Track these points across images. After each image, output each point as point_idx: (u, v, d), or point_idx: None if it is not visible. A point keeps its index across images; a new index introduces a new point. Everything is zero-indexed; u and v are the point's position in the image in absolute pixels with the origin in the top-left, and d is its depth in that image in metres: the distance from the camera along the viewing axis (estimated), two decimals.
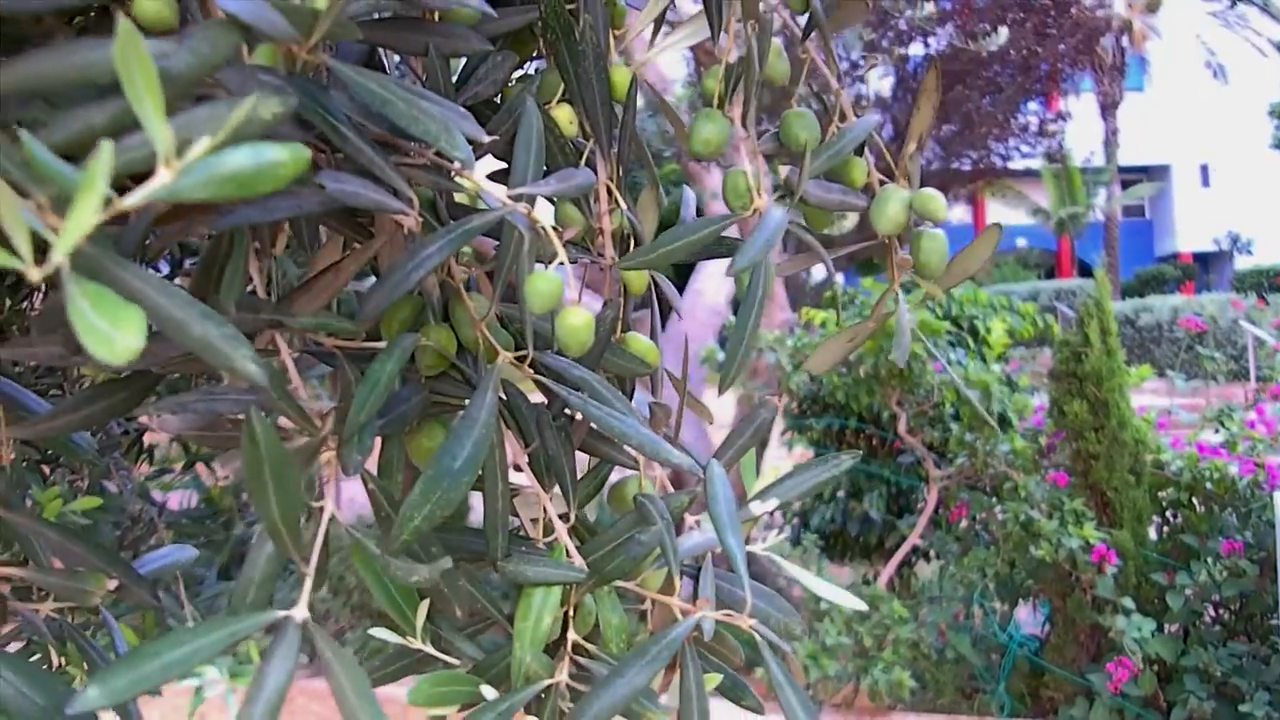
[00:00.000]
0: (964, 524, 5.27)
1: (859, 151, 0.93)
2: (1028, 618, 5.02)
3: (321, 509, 0.61)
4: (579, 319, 0.72)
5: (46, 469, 1.95)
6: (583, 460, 0.85)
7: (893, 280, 0.95)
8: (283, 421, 0.64)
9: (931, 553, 5.63)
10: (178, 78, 0.50)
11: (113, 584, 0.80)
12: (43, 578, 0.79)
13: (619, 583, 0.79)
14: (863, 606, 0.76)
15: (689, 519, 0.85)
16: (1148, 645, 4.13)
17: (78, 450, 0.94)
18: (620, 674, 0.66)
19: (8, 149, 0.46)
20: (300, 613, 0.52)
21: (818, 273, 15.25)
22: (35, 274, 0.40)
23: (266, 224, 0.69)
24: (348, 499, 0.79)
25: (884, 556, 5.72)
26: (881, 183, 0.95)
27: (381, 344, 0.71)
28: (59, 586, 0.79)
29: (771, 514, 0.85)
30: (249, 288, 0.66)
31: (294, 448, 0.61)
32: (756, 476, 0.84)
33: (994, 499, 4.99)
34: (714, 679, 0.76)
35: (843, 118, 0.92)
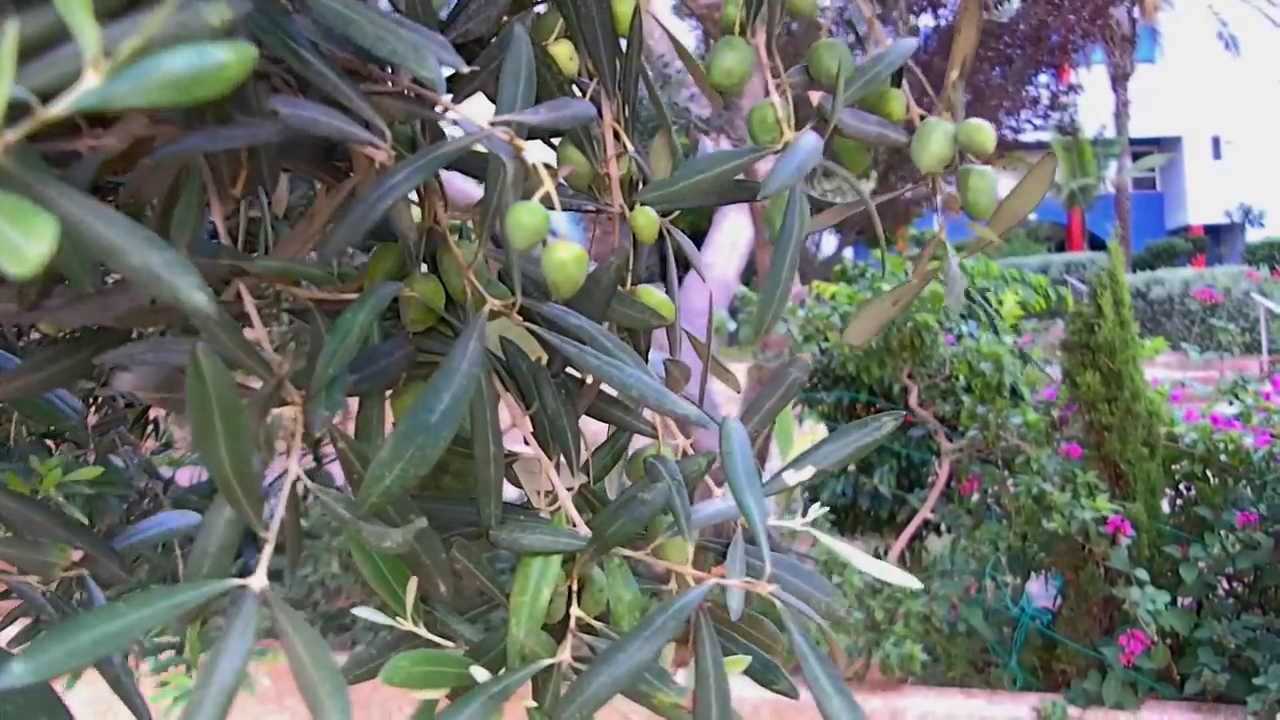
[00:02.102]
0: (976, 497, 5.23)
1: (896, 83, 0.85)
2: (1040, 591, 4.99)
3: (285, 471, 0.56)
4: (567, 252, 0.64)
5: (53, 445, 1.92)
6: (601, 432, 0.78)
7: (938, 228, 0.87)
8: (251, 382, 0.59)
9: (943, 526, 5.59)
10: None
11: (77, 554, 0.76)
12: (3, 550, 0.75)
13: (629, 553, 0.71)
14: (916, 584, 0.69)
15: (716, 491, 0.78)
16: (1161, 618, 4.10)
17: (60, 414, 0.90)
18: (621, 648, 0.59)
19: None
20: (258, 581, 0.47)
21: (827, 246, 15.14)
22: None
23: (223, 159, 0.63)
24: None
25: (895, 530, 5.68)
26: (921, 117, 0.87)
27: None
28: (19, 558, 0.74)
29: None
30: (213, 235, 0.61)
31: (250, 399, 0.56)
32: (791, 442, 0.77)
33: (1006, 472, 4.94)
34: (740, 661, 0.69)
35: (877, 47, 0.84)
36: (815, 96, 0.83)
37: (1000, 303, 5.83)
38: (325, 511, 0.55)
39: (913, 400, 5.42)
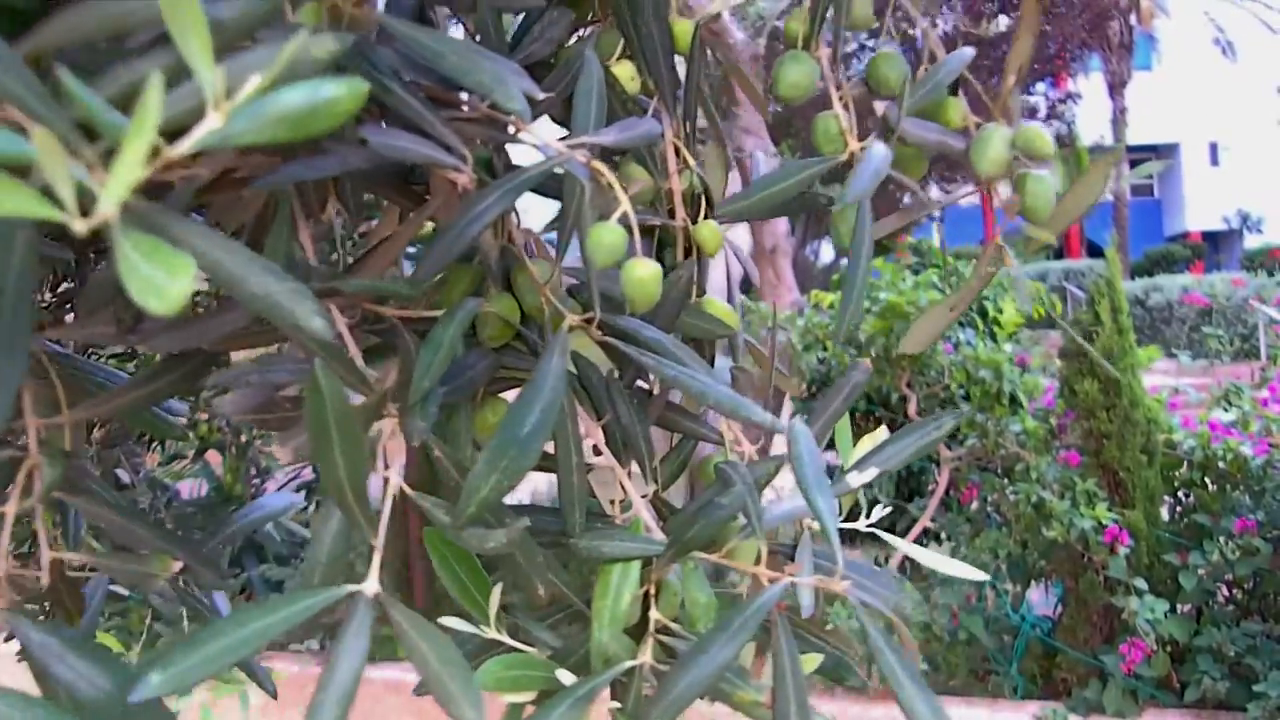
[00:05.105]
0: (975, 505, 5.23)
1: (953, 92, 0.88)
2: (1040, 599, 5.00)
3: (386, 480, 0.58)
4: (646, 270, 0.67)
5: None
6: (667, 440, 0.80)
7: (990, 233, 0.89)
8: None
9: (943, 535, 5.59)
10: (225, 26, 0.47)
11: (177, 565, 0.78)
12: (106, 561, 0.77)
13: (704, 556, 0.74)
14: (984, 576, 0.71)
15: (772, 494, 0.80)
16: (1161, 626, 4.11)
17: (164, 424, 0.93)
18: (703, 649, 0.61)
19: (53, 105, 0.43)
20: (371, 586, 0.50)
21: (825, 254, 15.15)
22: (81, 225, 0.38)
23: (311, 186, 0.66)
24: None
25: None
26: (977, 124, 0.89)
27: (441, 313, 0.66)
28: (122, 570, 0.76)
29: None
30: (305, 258, 0.63)
31: (354, 408, 0.58)
32: (851, 445, 0.79)
33: (1005, 480, 4.95)
34: (814, 659, 0.71)
35: (932, 58, 0.87)
36: (879, 105, 0.86)
37: (1000, 311, 5.85)
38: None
39: (911, 409, 5.43)
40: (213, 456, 3.59)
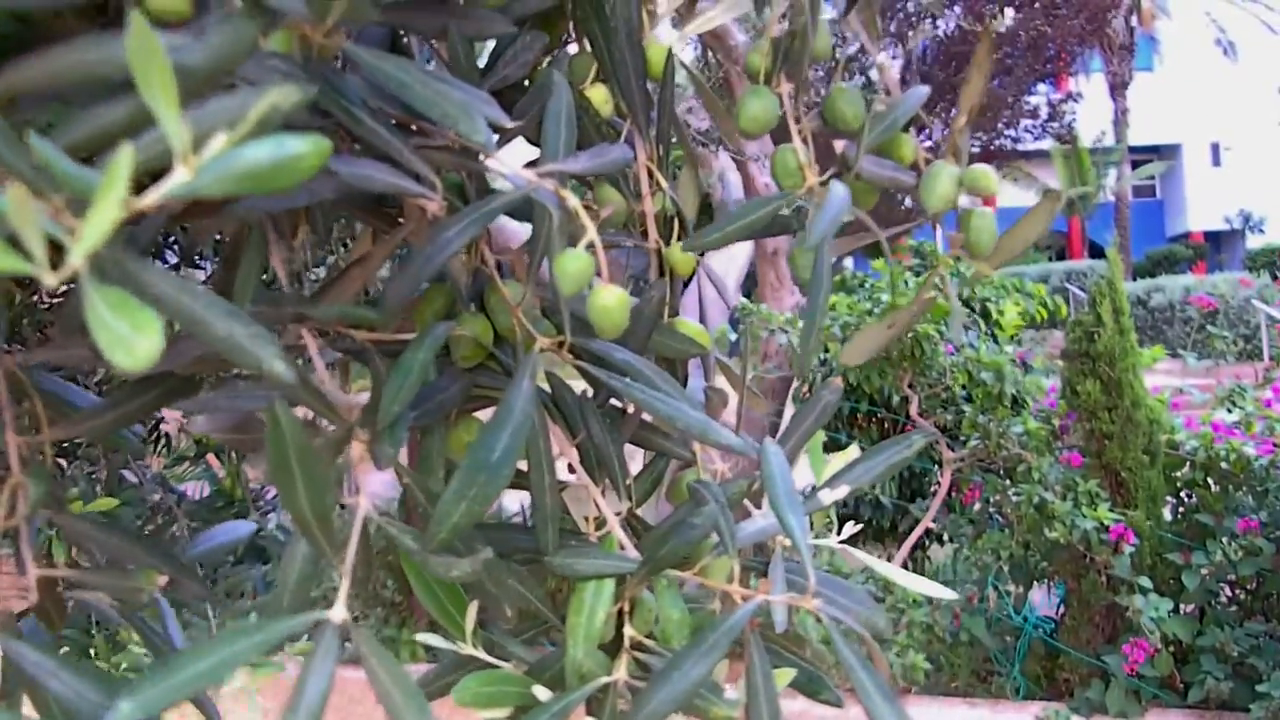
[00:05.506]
0: (977, 506, 5.24)
1: (905, 128, 0.90)
2: (1042, 600, 5.01)
3: (355, 505, 0.59)
4: (610, 298, 0.68)
5: (65, 461, 1.94)
6: (640, 458, 0.81)
7: (938, 261, 0.91)
8: (313, 417, 0.62)
9: (945, 536, 5.61)
10: (194, 72, 0.48)
11: (163, 580, 0.79)
12: (93, 576, 0.78)
13: (677, 573, 0.75)
14: (952, 595, 0.73)
15: (755, 512, 0.81)
16: (1164, 625, 4.11)
17: (128, 444, 0.94)
18: (677, 666, 0.63)
19: (21, 150, 0.44)
20: (338, 614, 0.51)
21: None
22: (51, 279, 0.39)
23: (284, 214, 0.67)
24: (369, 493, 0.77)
25: (897, 540, 5.70)
26: (927, 160, 0.91)
27: (413, 336, 0.67)
28: (109, 585, 0.77)
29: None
30: (275, 284, 0.64)
31: (322, 440, 0.59)
32: (823, 462, 0.80)
33: (1007, 481, 4.96)
34: (787, 674, 0.73)
35: (887, 93, 0.89)
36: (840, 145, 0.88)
37: (1001, 313, 5.86)
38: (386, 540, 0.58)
39: (913, 410, 5.44)
40: (211, 459, 3.60)
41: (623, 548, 0.74)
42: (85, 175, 0.39)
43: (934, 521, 5.45)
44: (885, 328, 0.94)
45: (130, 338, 0.36)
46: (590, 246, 0.65)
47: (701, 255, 6.82)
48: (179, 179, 0.39)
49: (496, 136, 0.75)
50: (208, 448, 3.41)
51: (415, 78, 0.58)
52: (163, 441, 3.01)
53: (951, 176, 0.88)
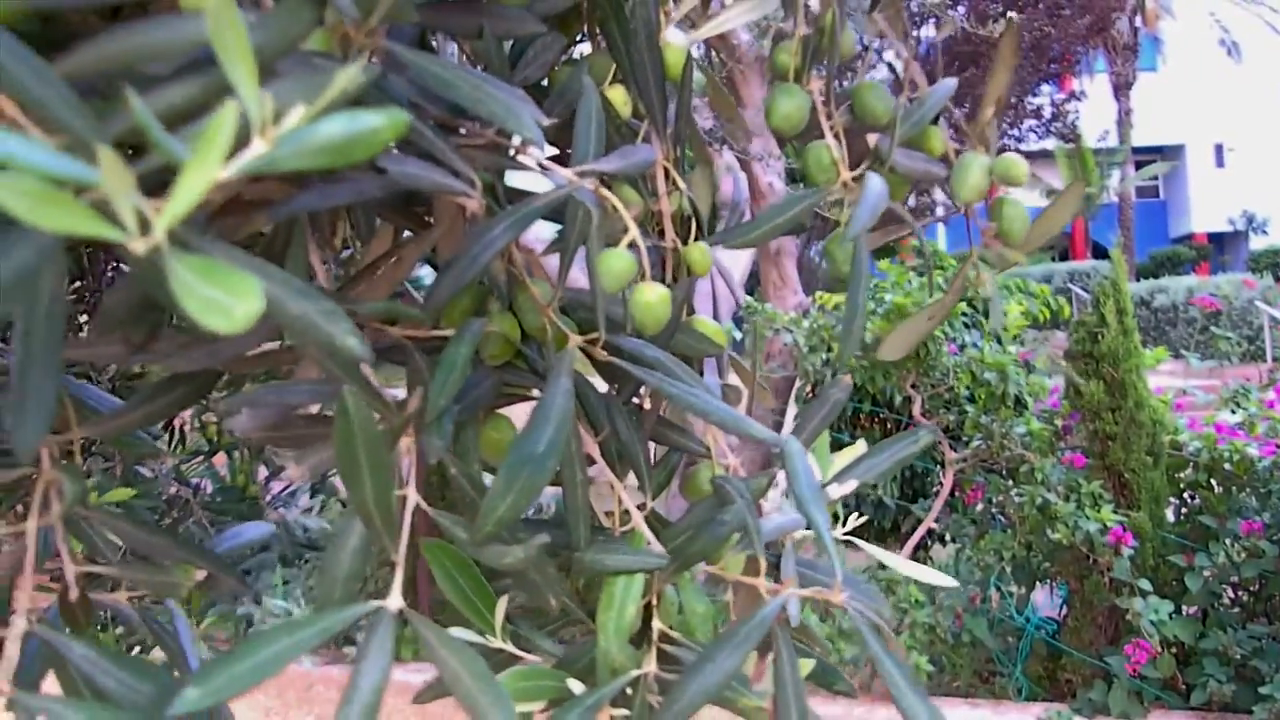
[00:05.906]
0: (980, 507, 5.24)
1: (934, 121, 0.91)
2: (1045, 600, 5.01)
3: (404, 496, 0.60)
4: (654, 294, 0.70)
5: (80, 454, 1.96)
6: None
7: (942, 259, 0.93)
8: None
9: (947, 536, 5.61)
10: (262, 49, 0.49)
11: (200, 574, 0.80)
12: (131, 573, 0.79)
13: (700, 567, 0.76)
14: (953, 583, 0.74)
15: (769, 506, 0.83)
16: (1166, 627, 4.12)
17: (142, 444, 0.94)
18: (710, 659, 0.64)
19: (99, 127, 0.45)
20: (394, 602, 0.52)
21: None
22: (139, 245, 0.38)
23: (325, 213, 0.68)
24: None
25: (899, 540, 5.70)
26: (957, 152, 0.93)
27: (447, 333, 0.69)
28: (147, 581, 0.78)
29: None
30: (313, 280, 0.65)
31: (380, 432, 0.60)
32: (830, 459, 0.82)
33: (1010, 481, 4.96)
34: (807, 664, 0.74)
35: (914, 87, 0.90)
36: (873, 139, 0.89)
37: (1004, 314, 5.86)
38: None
39: (916, 410, 5.44)
40: (218, 459, 3.61)
41: (649, 543, 0.76)
42: (179, 146, 0.39)
43: (936, 522, 5.46)
44: (925, 319, 0.95)
45: (226, 301, 0.36)
46: (632, 245, 0.67)
47: None
48: (257, 151, 0.39)
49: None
50: (219, 447, 3.42)
51: (461, 77, 0.59)
52: (177, 436, 3.03)
53: (983, 166, 0.90)
